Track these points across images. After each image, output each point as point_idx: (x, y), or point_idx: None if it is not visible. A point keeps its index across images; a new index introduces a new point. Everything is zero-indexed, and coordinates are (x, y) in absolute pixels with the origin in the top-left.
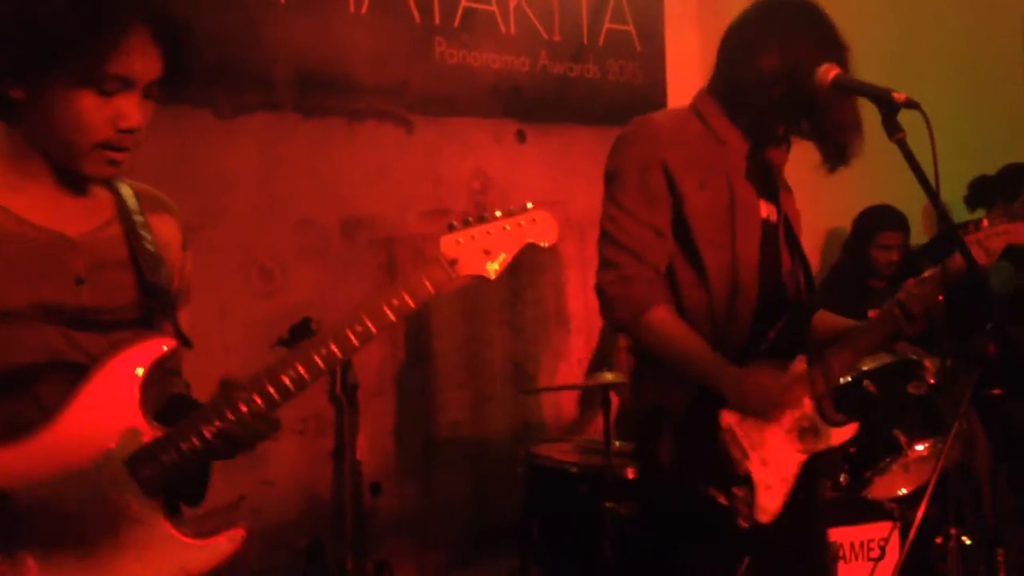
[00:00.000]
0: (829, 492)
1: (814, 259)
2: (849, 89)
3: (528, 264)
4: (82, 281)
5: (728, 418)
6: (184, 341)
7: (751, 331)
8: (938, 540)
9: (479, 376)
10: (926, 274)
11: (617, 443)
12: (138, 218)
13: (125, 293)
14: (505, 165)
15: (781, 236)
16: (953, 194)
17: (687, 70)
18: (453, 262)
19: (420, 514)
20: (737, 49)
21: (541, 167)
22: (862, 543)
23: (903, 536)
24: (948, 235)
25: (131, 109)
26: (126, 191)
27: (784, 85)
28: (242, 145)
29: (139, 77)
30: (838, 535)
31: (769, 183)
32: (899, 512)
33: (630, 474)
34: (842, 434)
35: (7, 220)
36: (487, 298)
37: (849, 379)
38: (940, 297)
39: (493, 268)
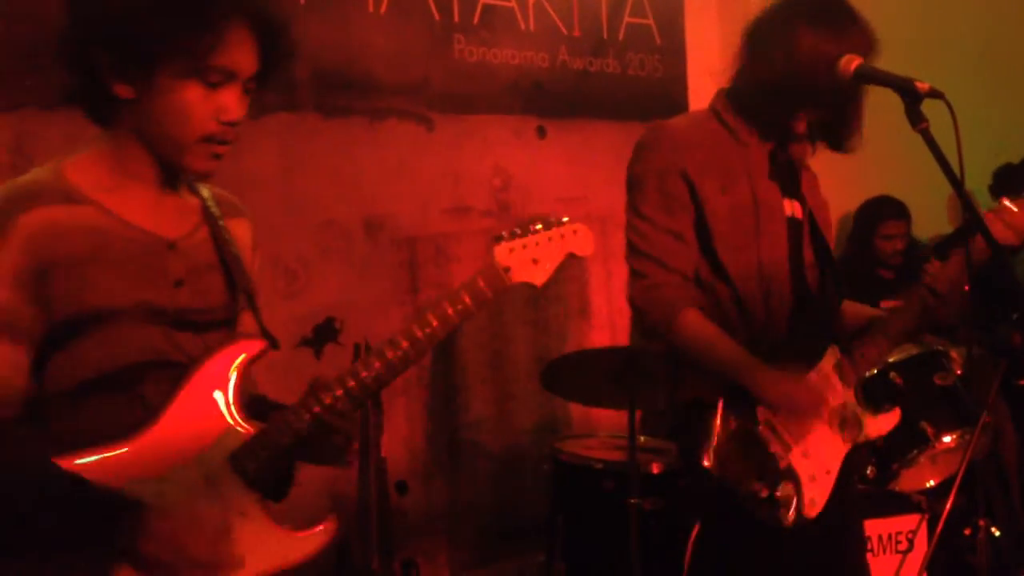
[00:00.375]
0: (857, 485)
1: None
2: (872, 79)
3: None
4: (181, 283)
5: (766, 412)
6: (272, 341)
7: (788, 329)
8: (967, 531)
9: (503, 373)
10: (927, 285)
11: (642, 438)
12: (221, 222)
13: (216, 295)
14: (526, 161)
15: (806, 232)
16: (976, 183)
17: (707, 63)
18: (507, 269)
19: (446, 512)
20: (756, 48)
21: (561, 163)
22: (890, 536)
23: (931, 528)
24: (970, 222)
25: (233, 102)
26: (207, 195)
27: (805, 81)
28: (263, 146)
29: (240, 70)
30: (866, 528)
31: (793, 180)
32: (927, 504)
33: (655, 469)
34: (885, 423)
35: (113, 223)
36: (510, 296)
37: (875, 371)
38: (966, 286)
39: (540, 276)
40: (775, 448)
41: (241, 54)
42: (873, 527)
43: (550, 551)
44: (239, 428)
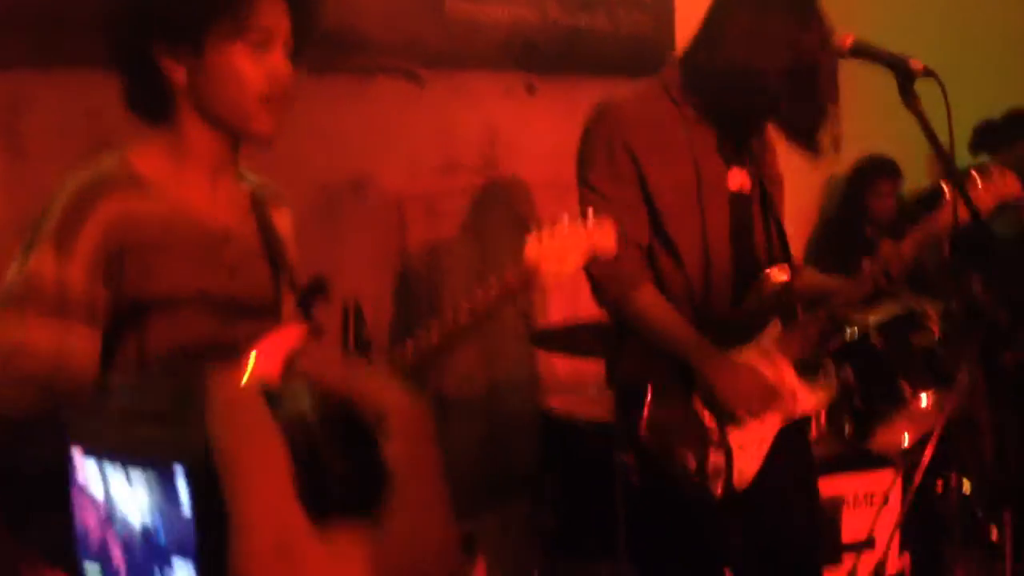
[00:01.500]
0: (833, 445)
1: (812, 211)
2: (867, 55)
3: (538, 218)
4: (235, 271)
5: (700, 392)
6: (317, 330)
7: (730, 304)
8: (939, 486)
9: (489, 331)
10: (903, 239)
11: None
12: (267, 210)
13: (264, 283)
14: (515, 118)
15: (755, 205)
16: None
17: (695, 19)
18: (536, 263)
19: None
20: (708, 29)
21: (551, 120)
22: (866, 493)
23: (906, 484)
24: (945, 192)
25: (280, 62)
26: (256, 183)
27: (768, 67)
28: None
29: (277, 28)
30: (842, 484)
31: (742, 151)
32: (901, 461)
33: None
34: (820, 398)
35: (176, 212)
36: (494, 255)
37: (856, 334)
38: (945, 249)
39: (567, 269)
40: (708, 421)
41: (275, 13)
42: (849, 483)
43: (535, 502)
44: None
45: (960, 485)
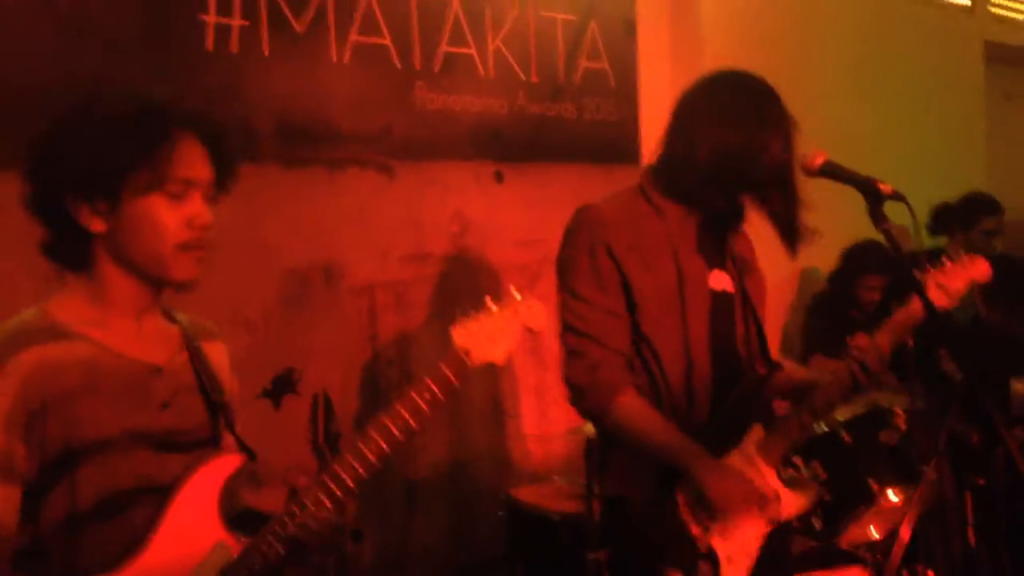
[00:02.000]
0: (803, 540)
1: (787, 298)
2: (836, 176)
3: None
4: (166, 405)
5: (686, 495)
6: (250, 454)
7: (711, 405)
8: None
9: (459, 416)
10: (878, 331)
11: (599, 489)
12: (197, 344)
13: (197, 415)
14: (484, 206)
15: (737, 305)
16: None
17: (660, 105)
18: (467, 352)
19: (401, 557)
20: (678, 128)
21: (519, 207)
22: None
23: None
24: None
25: (200, 208)
26: (183, 320)
27: (724, 163)
28: (224, 197)
29: (197, 178)
30: None
31: (723, 252)
32: (872, 558)
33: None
34: (803, 501)
35: (102, 353)
36: None
37: (826, 429)
38: (909, 342)
39: (499, 354)
40: (694, 530)
41: (194, 163)
42: None
43: None
44: (227, 544)
45: None
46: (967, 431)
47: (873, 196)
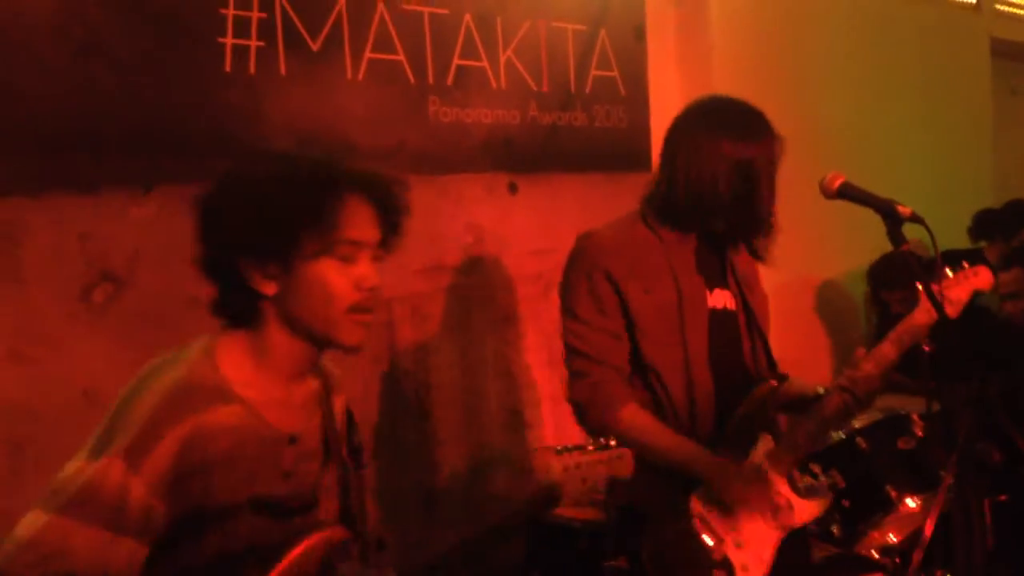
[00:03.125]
0: (821, 546)
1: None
2: (855, 199)
3: (522, 313)
4: (289, 475)
5: (699, 505)
6: (356, 534)
7: (716, 423)
8: None
9: (477, 426)
10: (867, 354)
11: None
12: (331, 402)
13: (312, 479)
14: (497, 217)
15: (741, 321)
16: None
17: (670, 112)
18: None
19: (422, 569)
20: (663, 159)
21: (532, 217)
22: None
23: None
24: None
25: (369, 270)
26: (324, 371)
27: (695, 197)
28: None
29: (366, 239)
30: None
31: (723, 270)
32: (891, 566)
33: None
34: (816, 508)
35: (253, 421)
36: (481, 351)
37: (842, 436)
38: (925, 347)
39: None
40: (709, 540)
41: (364, 224)
42: None
43: None
44: None
45: None
46: (987, 449)
47: (892, 218)
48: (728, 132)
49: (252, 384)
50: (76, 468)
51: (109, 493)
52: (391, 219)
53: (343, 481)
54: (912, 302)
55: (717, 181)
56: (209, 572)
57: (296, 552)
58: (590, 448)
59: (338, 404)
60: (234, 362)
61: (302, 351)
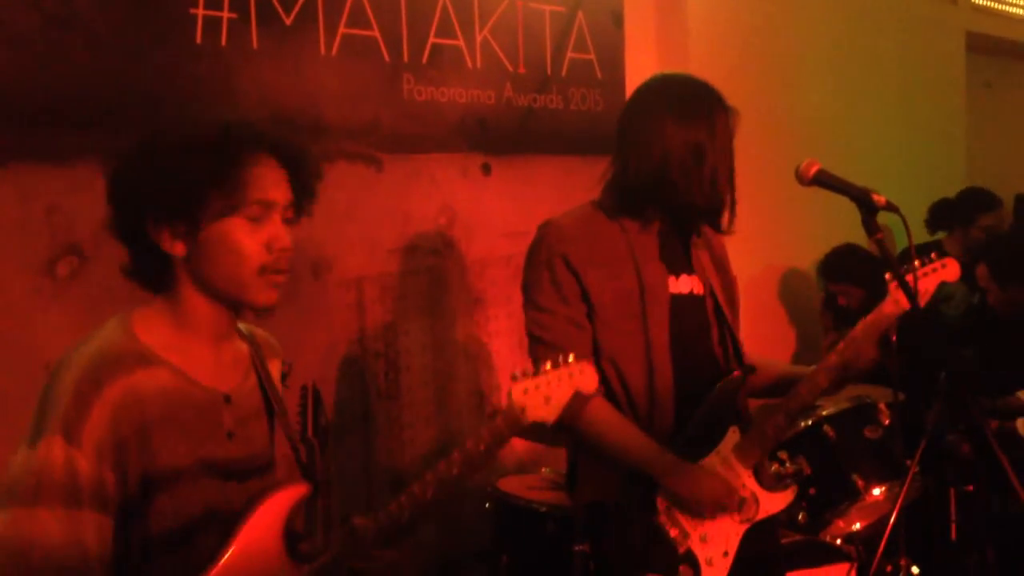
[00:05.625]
0: (787, 534)
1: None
2: (830, 186)
3: (493, 296)
4: (232, 435)
5: (664, 500)
6: (315, 485)
7: (676, 410)
8: (888, 569)
9: (445, 410)
10: (834, 352)
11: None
12: (266, 366)
13: (260, 441)
14: (471, 199)
15: (709, 306)
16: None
17: None
18: (523, 409)
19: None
20: (629, 145)
21: (506, 199)
22: None
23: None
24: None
25: (279, 231)
26: (253, 337)
27: (679, 172)
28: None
29: (275, 200)
30: None
31: (688, 256)
32: (856, 554)
33: None
34: (780, 500)
35: (182, 382)
36: (451, 333)
37: (809, 423)
38: (892, 336)
39: (552, 413)
40: (674, 534)
41: (272, 185)
42: None
43: None
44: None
45: (909, 570)
46: (957, 441)
47: (867, 206)
48: (672, 111)
49: (174, 347)
50: (19, 460)
51: (58, 471)
52: (302, 180)
53: (309, 458)
54: (855, 296)
55: (666, 162)
56: (173, 540)
57: (257, 513)
58: (547, 367)
59: (274, 368)
60: (151, 329)
61: (219, 313)
